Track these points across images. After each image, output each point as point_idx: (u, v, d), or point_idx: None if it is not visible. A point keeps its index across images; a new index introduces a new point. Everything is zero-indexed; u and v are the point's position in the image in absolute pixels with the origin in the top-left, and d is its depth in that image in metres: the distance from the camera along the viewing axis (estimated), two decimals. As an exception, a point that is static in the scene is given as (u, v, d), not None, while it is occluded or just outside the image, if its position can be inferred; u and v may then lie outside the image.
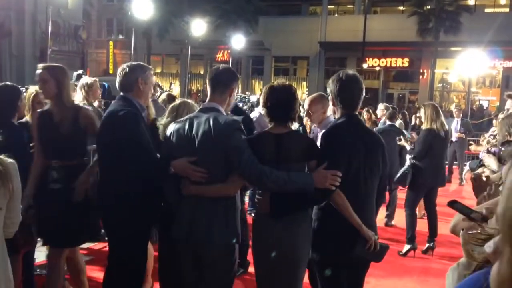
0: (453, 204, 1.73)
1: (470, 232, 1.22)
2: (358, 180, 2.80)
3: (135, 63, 3.38)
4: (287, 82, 2.97)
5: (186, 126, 2.80)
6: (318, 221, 2.87)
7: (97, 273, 4.76)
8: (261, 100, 3.04)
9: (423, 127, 5.84)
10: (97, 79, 6.00)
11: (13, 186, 2.20)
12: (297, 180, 2.67)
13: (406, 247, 5.84)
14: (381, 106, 8.41)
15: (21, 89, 4.01)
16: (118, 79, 3.23)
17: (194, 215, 2.76)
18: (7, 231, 2.28)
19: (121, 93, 3.24)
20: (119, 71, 3.26)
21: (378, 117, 8.50)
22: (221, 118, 2.79)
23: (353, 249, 2.76)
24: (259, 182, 2.73)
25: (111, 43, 32.01)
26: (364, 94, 2.93)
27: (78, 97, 5.76)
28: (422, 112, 5.92)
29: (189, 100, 3.59)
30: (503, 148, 1.41)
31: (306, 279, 3.10)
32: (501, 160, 1.46)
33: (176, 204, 2.94)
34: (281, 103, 2.82)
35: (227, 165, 2.71)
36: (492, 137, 5.68)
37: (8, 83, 4.00)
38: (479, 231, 0.95)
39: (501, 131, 2.83)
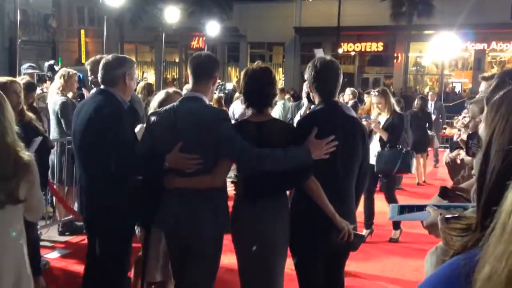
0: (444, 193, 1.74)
1: (447, 217, 1.24)
2: (336, 168, 2.77)
3: (121, 56, 3.24)
4: (264, 65, 2.94)
5: (170, 117, 2.73)
6: (294, 208, 2.86)
7: (75, 266, 4.71)
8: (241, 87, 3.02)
9: (385, 113, 5.68)
10: (77, 72, 5.89)
11: (33, 178, 2.36)
12: (295, 155, 2.63)
13: (396, 233, 5.89)
14: (348, 91, 8.40)
15: None
16: (101, 72, 3.09)
17: (180, 207, 2.72)
18: (33, 216, 2.53)
19: (102, 86, 3.11)
20: (102, 63, 3.11)
21: (345, 101, 8.45)
22: (206, 109, 2.76)
23: (327, 238, 2.75)
24: (259, 165, 2.66)
25: (82, 31, 31.26)
26: (341, 80, 2.90)
27: (54, 87, 5.65)
28: (377, 99, 5.71)
29: (171, 90, 3.49)
30: (470, 141, 1.42)
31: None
32: (468, 152, 1.48)
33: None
34: (256, 90, 2.80)
35: (215, 155, 2.66)
36: (466, 119, 5.77)
37: None
38: (457, 221, 0.96)
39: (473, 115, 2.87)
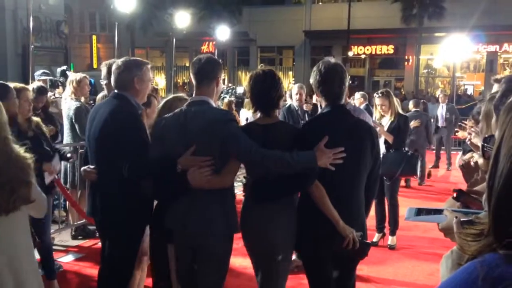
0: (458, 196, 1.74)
1: (462, 220, 1.22)
2: (341, 172, 2.70)
3: (131, 59, 3.21)
4: (268, 68, 2.95)
5: (180, 121, 2.77)
6: (300, 209, 2.85)
7: (88, 270, 4.74)
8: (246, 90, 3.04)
9: (388, 115, 5.60)
10: (87, 76, 5.95)
11: (34, 178, 2.40)
12: (301, 160, 2.63)
13: (393, 239, 5.76)
14: (357, 95, 8.38)
15: (11, 86, 3.79)
16: (112, 77, 3.13)
17: (190, 207, 2.75)
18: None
19: (116, 91, 3.13)
20: (113, 68, 3.14)
21: (357, 105, 8.37)
22: (213, 110, 2.80)
23: (332, 241, 2.71)
24: (263, 166, 2.68)
25: (94, 37, 31.57)
26: (347, 83, 2.86)
27: (66, 93, 5.73)
28: (381, 100, 5.61)
29: (175, 97, 3.52)
30: (486, 144, 1.41)
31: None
32: (484, 155, 1.47)
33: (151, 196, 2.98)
34: (260, 93, 2.82)
35: (223, 155, 2.69)
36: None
37: None
38: (471, 226, 0.95)
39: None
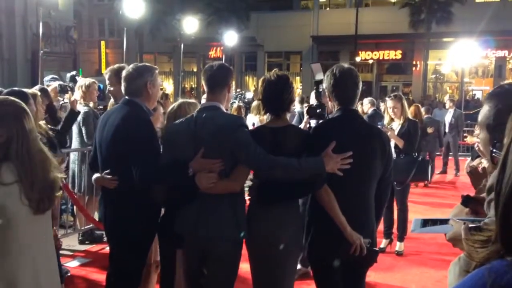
0: (466, 201, 1.73)
1: (470, 226, 1.21)
2: (350, 178, 2.68)
3: (141, 65, 3.24)
4: (281, 73, 2.96)
5: (190, 126, 2.80)
6: (309, 214, 2.84)
7: (95, 275, 4.75)
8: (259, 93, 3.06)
9: (399, 119, 5.53)
10: (96, 81, 5.98)
11: None
12: (308, 166, 2.63)
13: (401, 245, 5.72)
14: (366, 101, 8.37)
15: (29, 93, 3.77)
16: (124, 84, 3.13)
17: (200, 211, 2.76)
18: None
19: (127, 97, 3.14)
20: (124, 75, 3.14)
21: (365, 111, 8.38)
22: (224, 116, 2.84)
23: (339, 246, 2.69)
24: (270, 172, 2.69)
25: (103, 42, 31.86)
26: (360, 88, 2.87)
27: (75, 97, 5.76)
28: (393, 103, 5.56)
29: (184, 100, 3.54)
30: (494, 150, 1.40)
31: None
32: (493, 161, 1.46)
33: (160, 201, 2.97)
34: (273, 96, 2.84)
35: (233, 160, 2.71)
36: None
37: (15, 88, 3.81)
38: (479, 233, 0.94)
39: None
